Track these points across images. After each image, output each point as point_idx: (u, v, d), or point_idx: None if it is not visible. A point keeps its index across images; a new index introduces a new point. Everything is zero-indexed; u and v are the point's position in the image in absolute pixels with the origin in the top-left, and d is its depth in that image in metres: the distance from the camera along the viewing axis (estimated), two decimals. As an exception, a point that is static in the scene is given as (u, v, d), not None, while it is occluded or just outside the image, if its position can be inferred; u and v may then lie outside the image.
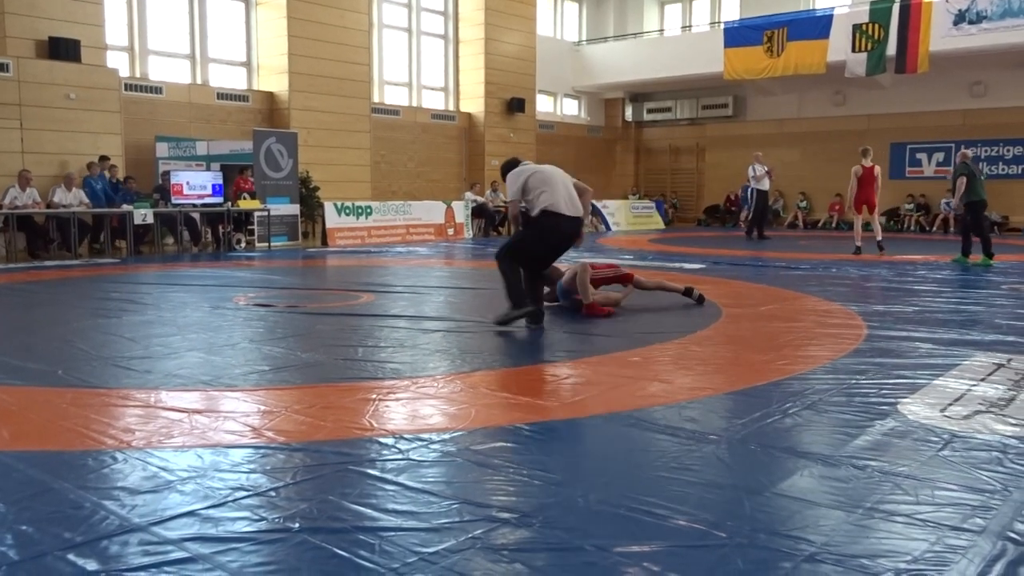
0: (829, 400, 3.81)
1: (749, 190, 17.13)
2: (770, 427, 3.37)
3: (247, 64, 16.74)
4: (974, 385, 4.09)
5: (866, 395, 3.89)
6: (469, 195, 18.04)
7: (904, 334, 5.52)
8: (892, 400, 3.79)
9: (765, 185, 16.71)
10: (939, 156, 20.61)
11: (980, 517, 2.44)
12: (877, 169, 12.59)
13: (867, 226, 12.95)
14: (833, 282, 8.87)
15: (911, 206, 20.45)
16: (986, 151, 19.77)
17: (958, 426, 3.38)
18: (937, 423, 3.43)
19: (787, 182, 22.35)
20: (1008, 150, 19.60)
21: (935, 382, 4.15)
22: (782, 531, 2.33)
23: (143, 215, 12.45)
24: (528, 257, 6.03)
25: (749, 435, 3.25)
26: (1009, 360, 4.68)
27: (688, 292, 6.99)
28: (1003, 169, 19.43)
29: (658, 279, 7.52)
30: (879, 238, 12.76)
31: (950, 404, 3.73)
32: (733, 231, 20.46)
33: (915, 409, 3.64)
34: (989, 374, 4.34)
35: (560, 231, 5.95)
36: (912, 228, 20.14)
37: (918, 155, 20.95)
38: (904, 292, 7.91)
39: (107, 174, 13.08)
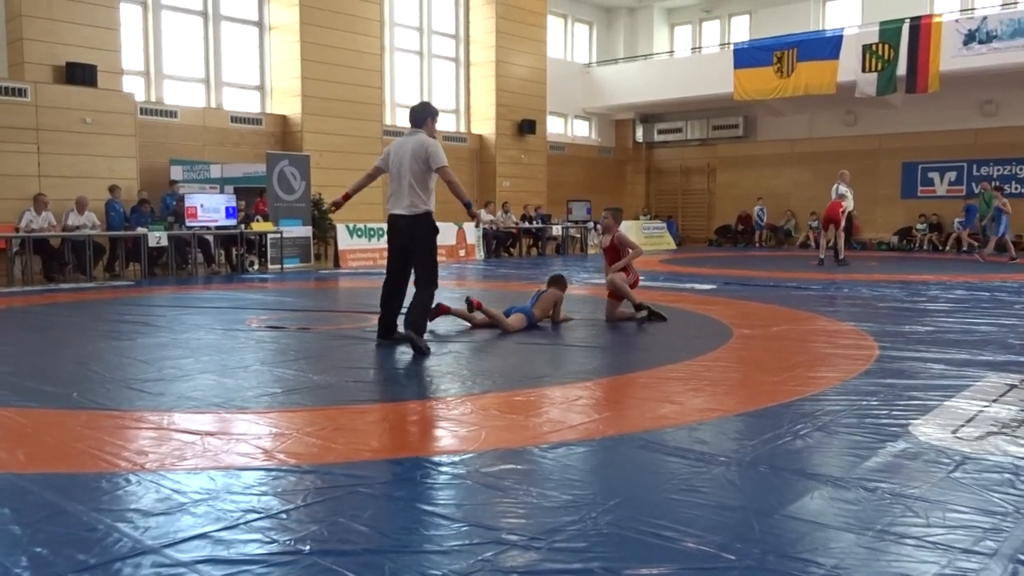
0: (840, 421, 3.80)
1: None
2: (780, 448, 3.37)
3: (260, 88, 16.93)
4: (986, 406, 4.07)
5: (877, 416, 3.88)
6: (484, 213, 18.07)
7: (915, 355, 5.50)
8: (903, 421, 3.78)
9: (849, 205, 15.13)
10: (951, 175, 20.56)
11: (992, 539, 2.42)
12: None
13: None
14: (844, 302, 8.85)
15: (923, 226, 20.37)
16: (998, 170, 19.72)
17: (970, 447, 3.37)
18: (949, 444, 3.41)
19: (799, 202, 22.36)
20: (1020, 169, 19.54)
21: (947, 403, 4.13)
22: (792, 553, 2.33)
23: (158, 238, 12.57)
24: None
25: (759, 457, 3.25)
26: (1022, 381, 4.66)
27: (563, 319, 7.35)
28: (1016, 188, 19.34)
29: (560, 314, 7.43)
30: (842, 255, 14.51)
31: (962, 425, 3.71)
32: (745, 251, 20.42)
33: (926, 430, 3.63)
34: (1001, 395, 4.32)
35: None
36: (925, 247, 20.06)
37: (930, 174, 20.90)
38: (915, 312, 7.88)
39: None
